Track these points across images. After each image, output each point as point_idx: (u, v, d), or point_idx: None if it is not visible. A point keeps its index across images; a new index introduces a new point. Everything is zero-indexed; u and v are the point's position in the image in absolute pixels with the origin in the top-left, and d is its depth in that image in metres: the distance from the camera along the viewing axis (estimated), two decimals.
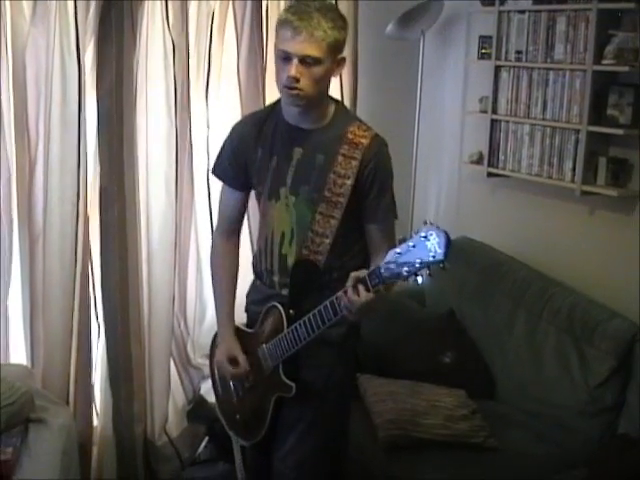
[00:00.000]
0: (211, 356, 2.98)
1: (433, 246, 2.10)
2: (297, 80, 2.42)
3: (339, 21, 2.47)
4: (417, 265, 2.13)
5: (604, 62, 3.49)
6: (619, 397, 3.34)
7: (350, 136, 2.55)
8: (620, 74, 3.52)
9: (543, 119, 3.84)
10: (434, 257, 2.10)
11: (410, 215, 4.40)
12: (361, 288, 2.29)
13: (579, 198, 3.68)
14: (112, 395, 3.77)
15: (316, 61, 2.42)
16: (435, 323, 4.05)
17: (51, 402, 3.36)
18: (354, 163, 2.53)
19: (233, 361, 2.77)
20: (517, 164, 4.00)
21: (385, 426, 3.37)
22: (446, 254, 2.09)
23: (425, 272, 2.14)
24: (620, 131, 3.48)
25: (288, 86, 2.45)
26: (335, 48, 2.46)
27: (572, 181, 3.69)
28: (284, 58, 2.43)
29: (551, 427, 3.47)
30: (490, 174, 4.16)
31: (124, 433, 3.80)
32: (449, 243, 2.09)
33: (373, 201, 2.58)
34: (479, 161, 4.24)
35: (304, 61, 2.41)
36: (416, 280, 2.18)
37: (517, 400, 3.69)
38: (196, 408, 4.05)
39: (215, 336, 2.94)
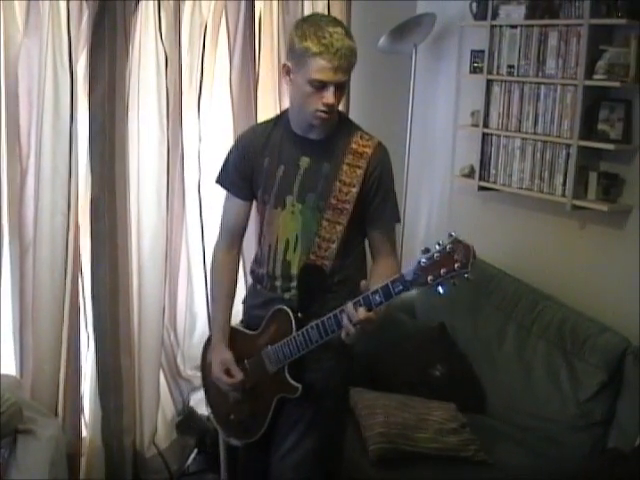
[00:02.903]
0: (203, 358, 3.00)
1: (459, 257, 2.18)
2: (334, 106, 2.53)
3: (351, 34, 2.56)
4: (442, 274, 2.20)
5: (595, 77, 3.51)
6: (609, 411, 3.34)
7: (354, 146, 2.63)
8: (611, 89, 3.54)
9: (534, 133, 3.85)
10: (459, 268, 2.18)
11: (401, 228, 4.39)
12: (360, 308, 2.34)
13: (570, 212, 3.70)
14: (101, 406, 3.76)
15: (347, 83, 2.57)
16: (426, 336, 4.05)
17: (40, 413, 3.35)
18: (359, 172, 2.60)
19: (228, 372, 2.80)
20: (508, 178, 4.01)
21: (375, 439, 3.36)
22: (471, 265, 2.17)
23: (450, 282, 2.21)
24: (611, 146, 3.50)
25: (325, 111, 2.52)
26: None
27: (563, 195, 3.71)
28: (318, 86, 2.49)
29: (541, 441, 3.47)
30: (481, 188, 4.17)
31: (113, 444, 3.79)
32: (474, 255, 2.18)
33: (378, 207, 2.65)
34: (470, 175, 4.25)
35: (338, 86, 2.51)
36: (437, 290, 2.23)
37: (507, 414, 3.69)
38: (185, 420, 4.04)
39: (209, 338, 2.97)
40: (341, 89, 2.53)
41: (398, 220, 2.73)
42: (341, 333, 2.44)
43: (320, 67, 2.46)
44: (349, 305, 2.38)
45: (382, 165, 2.65)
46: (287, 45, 2.62)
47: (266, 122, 2.87)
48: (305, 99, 2.54)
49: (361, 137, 2.66)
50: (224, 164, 2.85)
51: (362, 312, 2.34)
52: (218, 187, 2.87)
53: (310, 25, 2.51)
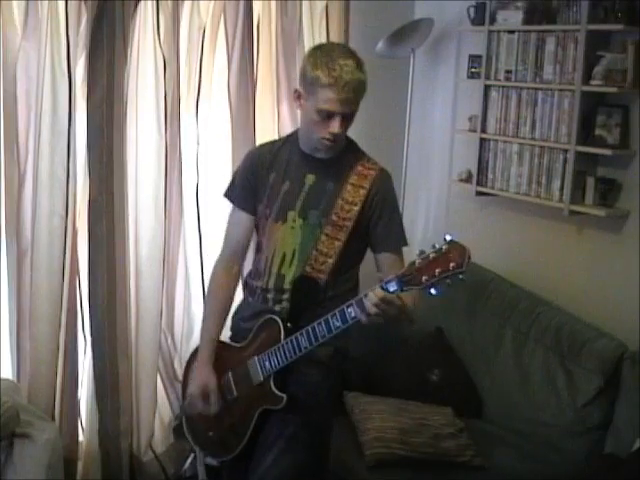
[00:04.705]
0: (185, 375, 2.99)
1: (454, 258, 2.18)
2: (339, 135, 2.60)
3: (363, 66, 2.59)
4: (437, 275, 2.20)
5: (592, 83, 3.52)
6: (606, 416, 3.34)
7: (359, 168, 2.70)
8: (608, 95, 3.55)
9: (532, 138, 3.86)
10: (454, 268, 2.18)
11: None
12: (378, 289, 2.33)
13: (567, 217, 3.70)
14: (98, 410, 3.75)
15: (354, 113, 2.61)
16: (423, 341, 4.05)
17: (37, 417, 3.34)
18: (362, 192, 2.66)
19: (206, 398, 2.79)
20: (506, 183, 4.01)
21: (372, 444, 3.36)
22: (466, 266, 2.18)
23: (444, 282, 2.21)
24: (608, 151, 3.50)
25: (330, 139, 2.59)
26: None
27: (560, 200, 3.71)
28: (325, 116, 2.55)
29: (538, 446, 3.47)
30: (479, 193, 4.18)
31: (110, 448, 3.78)
32: (469, 256, 2.18)
33: (384, 230, 2.69)
34: (468, 179, 4.26)
35: (344, 116, 2.57)
36: (430, 292, 2.23)
37: (504, 418, 3.69)
38: (182, 424, 4.03)
39: (194, 352, 2.96)
40: (348, 118, 2.59)
41: (405, 243, 2.75)
42: (361, 317, 2.38)
43: (328, 98, 2.52)
44: (369, 293, 2.34)
45: (385, 188, 2.71)
46: (300, 70, 2.67)
47: (276, 140, 2.95)
48: (312, 126, 2.60)
49: (367, 161, 2.73)
50: (232, 178, 2.90)
51: (380, 292, 2.31)
52: (218, 191, 2.90)
53: (323, 54, 2.56)
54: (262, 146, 2.95)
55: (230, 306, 2.93)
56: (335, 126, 2.55)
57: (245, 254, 2.94)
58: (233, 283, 2.93)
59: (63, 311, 3.56)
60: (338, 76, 2.49)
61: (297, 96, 2.65)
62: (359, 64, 2.56)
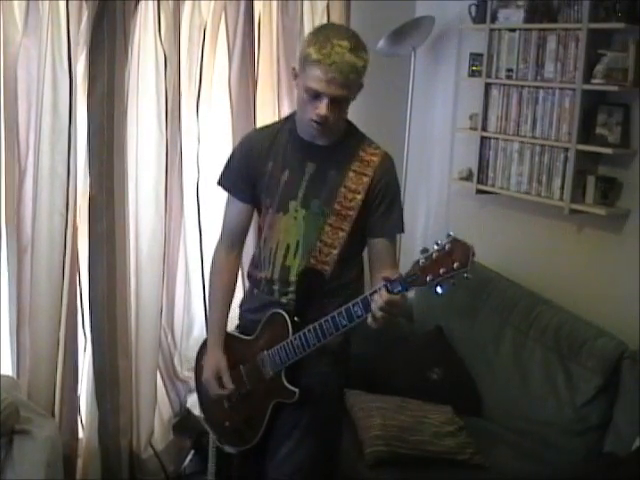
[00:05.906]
0: (197, 363, 2.98)
1: (457, 256, 2.15)
2: (327, 118, 2.50)
3: (365, 52, 2.51)
4: (441, 274, 2.17)
5: (594, 81, 3.52)
6: (605, 415, 3.34)
7: (362, 154, 2.63)
8: (609, 93, 3.55)
9: (532, 137, 3.86)
10: (458, 267, 2.15)
11: None
12: (384, 292, 2.30)
13: (568, 216, 3.70)
14: (98, 407, 3.76)
15: (346, 99, 2.52)
16: (423, 339, 4.05)
17: (36, 414, 3.34)
18: (365, 179, 2.60)
19: (219, 380, 2.79)
20: (506, 181, 4.01)
21: (371, 442, 3.36)
22: (470, 265, 2.15)
23: (449, 282, 2.18)
24: (609, 150, 3.50)
25: (317, 122, 2.51)
26: (362, 80, 2.54)
27: (561, 199, 3.71)
28: (314, 95, 2.47)
29: (537, 445, 3.47)
30: (479, 191, 4.18)
31: (109, 445, 3.78)
32: (473, 254, 2.15)
33: (382, 216, 2.64)
34: (468, 178, 4.26)
35: (334, 100, 2.48)
36: (436, 291, 2.21)
37: (503, 417, 3.69)
38: (182, 421, 4.04)
39: (204, 342, 2.95)
40: (338, 103, 2.50)
41: (402, 230, 2.72)
42: (367, 319, 2.38)
43: (314, 76, 2.44)
44: (375, 296, 2.32)
45: (389, 175, 2.66)
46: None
47: (271, 125, 2.86)
48: (302, 106, 2.55)
49: (369, 146, 2.67)
50: (226, 166, 2.83)
51: (385, 295, 2.28)
52: (218, 189, 2.85)
53: (320, 33, 2.51)
54: (257, 132, 2.90)
55: (233, 292, 2.92)
56: (322, 108, 2.46)
57: (244, 240, 2.91)
58: (234, 269, 2.91)
59: (63, 308, 3.57)
60: (327, 54, 2.40)
61: (294, 74, 2.59)
62: (356, 47, 2.45)
